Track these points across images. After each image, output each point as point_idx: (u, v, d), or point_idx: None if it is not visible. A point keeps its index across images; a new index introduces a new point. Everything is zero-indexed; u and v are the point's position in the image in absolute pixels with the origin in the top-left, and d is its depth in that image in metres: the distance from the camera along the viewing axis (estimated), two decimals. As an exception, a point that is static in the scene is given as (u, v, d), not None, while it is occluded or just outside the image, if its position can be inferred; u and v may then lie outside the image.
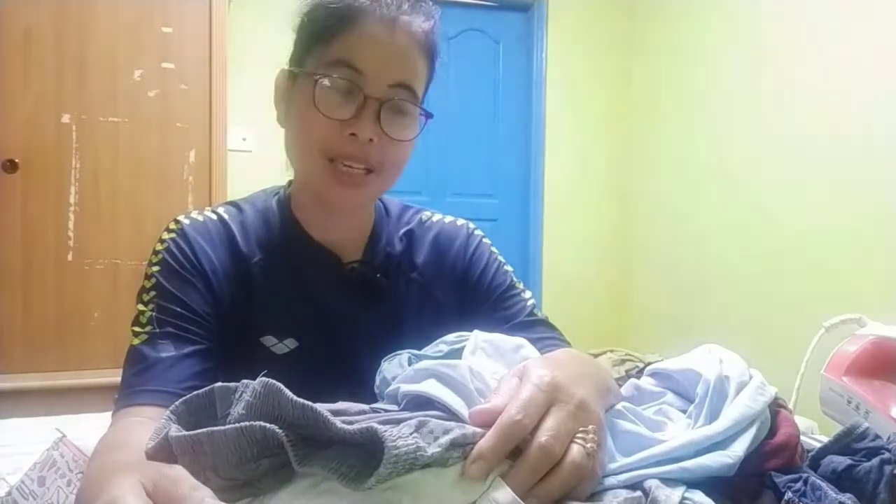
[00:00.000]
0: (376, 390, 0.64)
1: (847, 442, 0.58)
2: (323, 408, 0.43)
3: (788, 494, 0.51)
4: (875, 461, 0.54)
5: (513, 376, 0.53)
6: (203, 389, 0.47)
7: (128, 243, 2.39)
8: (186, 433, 0.42)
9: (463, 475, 0.45)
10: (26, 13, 2.29)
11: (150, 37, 2.42)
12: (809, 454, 0.59)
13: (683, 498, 0.48)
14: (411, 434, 0.43)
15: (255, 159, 2.90)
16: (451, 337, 0.65)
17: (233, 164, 2.55)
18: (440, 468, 0.45)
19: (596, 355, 3.27)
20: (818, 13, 2.47)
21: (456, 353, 0.63)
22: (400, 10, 0.75)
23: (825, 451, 0.58)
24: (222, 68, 2.44)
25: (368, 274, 0.84)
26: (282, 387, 0.43)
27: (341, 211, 0.82)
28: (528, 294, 0.89)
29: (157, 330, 0.72)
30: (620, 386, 0.64)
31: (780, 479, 0.53)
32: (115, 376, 0.72)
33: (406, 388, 0.52)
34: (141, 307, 0.74)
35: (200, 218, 0.81)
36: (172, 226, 0.80)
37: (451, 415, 0.49)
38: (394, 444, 0.41)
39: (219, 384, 0.46)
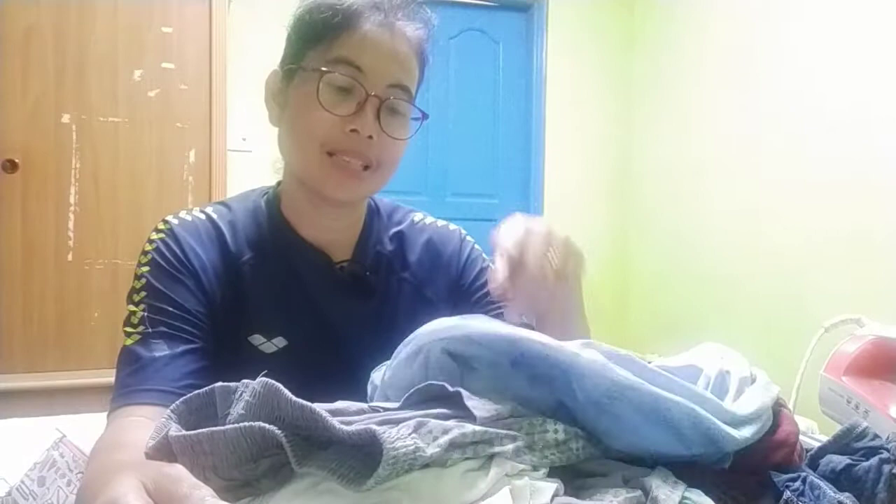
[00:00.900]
0: (369, 400, 0.64)
1: (846, 441, 0.58)
2: (322, 408, 0.43)
3: (787, 493, 0.51)
4: (874, 460, 0.54)
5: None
6: (204, 389, 0.47)
7: (128, 243, 2.40)
8: (186, 433, 0.42)
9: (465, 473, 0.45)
10: (26, 13, 2.29)
11: (150, 37, 2.43)
12: (808, 453, 0.59)
13: (683, 497, 0.48)
14: (410, 435, 0.43)
15: (254, 159, 2.90)
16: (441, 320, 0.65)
17: (233, 164, 2.55)
18: (439, 469, 0.45)
19: (596, 355, 3.27)
20: (819, 12, 2.47)
21: None
22: (397, 15, 0.78)
23: (824, 450, 0.58)
24: (222, 68, 2.45)
25: (359, 273, 0.85)
26: (281, 387, 0.43)
27: (337, 205, 0.82)
28: None
29: (150, 330, 0.72)
30: None
31: (779, 479, 0.53)
32: (114, 376, 0.73)
33: (409, 347, 0.53)
34: (132, 308, 0.74)
35: (189, 217, 0.81)
36: (161, 226, 0.80)
37: (451, 409, 0.50)
38: (392, 444, 0.41)
39: (219, 384, 0.46)
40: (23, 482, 0.69)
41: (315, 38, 0.77)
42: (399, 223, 0.93)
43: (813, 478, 0.53)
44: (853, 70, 2.32)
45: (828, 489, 0.51)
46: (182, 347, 0.72)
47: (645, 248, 3.55)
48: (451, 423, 0.47)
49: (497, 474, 0.47)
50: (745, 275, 2.80)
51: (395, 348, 0.78)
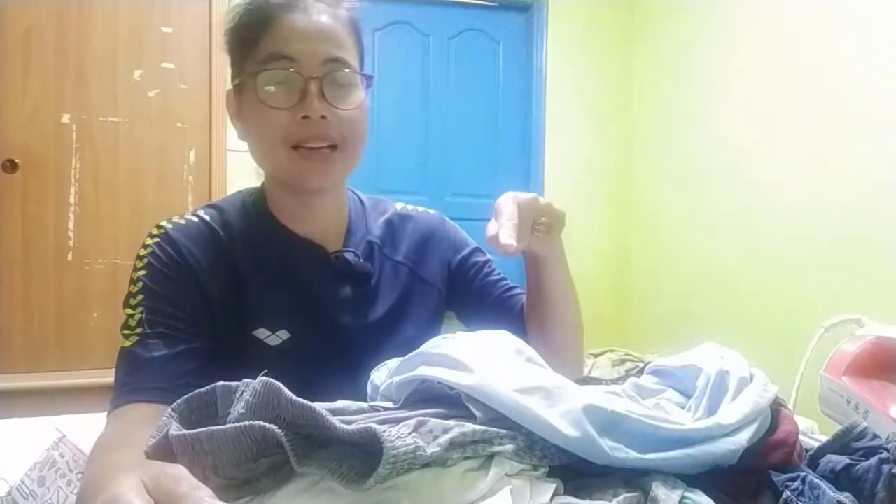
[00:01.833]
0: (369, 399, 0.64)
1: (846, 441, 0.58)
2: (322, 407, 0.43)
3: (787, 493, 0.51)
4: (873, 460, 0.54)
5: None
6: (205, 388, 0.47)
7: (128, 243, 2.40)
8: (186, 432, 0.42)
9: (465, 474, 0.45)
10: (26, 13, 2.29)
11: (150, 37, 2.43)
12: (808, 453, 0.59)
13: (683, 497, 0.48)
14: (410, 434, 0.44)
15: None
16: (435, 340, 0.65)
17: (232, 164, 2.55)
18: (440, 468, 0.45)
19: (596, 355, 3.28)
20: (820, 12, 2.47)
21: None
22: (311, 2, 0.80)
23: (824, 450, 0.58)
24: (222, 68, 2.45)
25: (354, 260, 0.87)
26: (281, 386, 0.43)
27: (318, 193, 0.84)
28: (491, 259, 1.00)
29: (148, 331, 0.72)
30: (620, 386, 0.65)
31: (779, 478, 0.53)
32: (113, 377, 0.73)
33: (399, 378, 0.53)
34: (129, 311, 0.75)
35: (183, 221, 0.82)
36: (155, 231, 0.81)
37: (451, 409, 0.50)
38: (392, 444, 0.41)
39: (221, 383, 0.47)
40: (23, 482, 0.69)
41: (245, 46, 0.79)
42: (384, 212, 0.96)
43: (812, 478, 0.53)
44: (853, 70, 2.32)
45: (827, 489, 0.51)
46: (181, 347, 0.72)
47: (645, 248, 3.55)
48: (451, 422, 0.47)
49: (497, 474, 0.47)
50: (745, 275, 2.80)
51: (395, 332, 0.81)
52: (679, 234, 3.25)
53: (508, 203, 0.74)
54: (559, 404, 0.50)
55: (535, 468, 0.49)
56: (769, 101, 2.69)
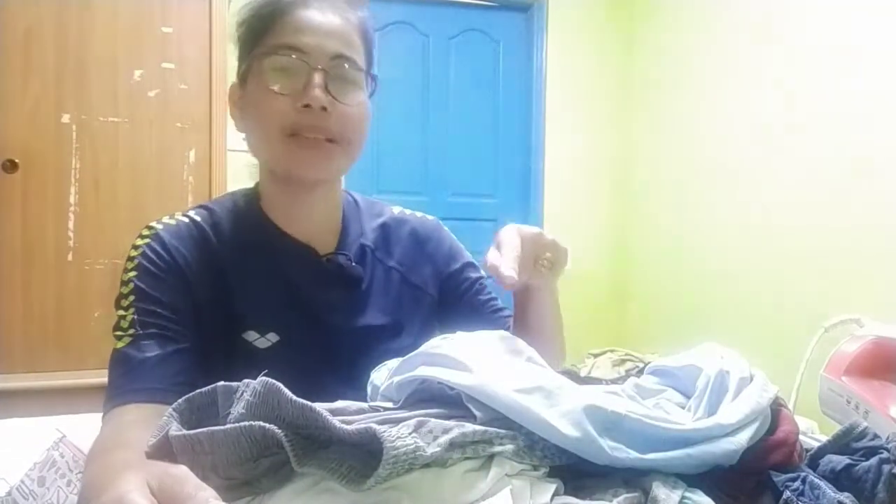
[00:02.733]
0: (369, 400, 0.64)
1: (846, 441, 0.58)
2: (322, 407, 0.43)
3: (787, 493, 0.51)
4: (874, 460, 0.54)
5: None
6: (206, 388, 0.47)
7: (128, 243, 2.38)
8: (186, 432, 0.42)
9: (464, 475, 0.45)
10: (26, 13, 2.29)
11: (150, 37, 2.42)
12: (808, 453, 0.59)
13: (683, 497, 0.48)
14: (410, 434, 0.44)
15: (254, 159, 2.89)
16: (435, 340, 0.65)
17: (233, 164, 2.55)
18: (440, 468, 0.45)
19: (596, 355, 3.28)
20: (819, 12, 2.47)
21: None
22: (325, 2, 0.81)
23: (824, 450, 0.58)
24: (222, 68, 2.45)
25: (345, 263, 0.86)
26: (282, 387, 0.43)
27: (312, 186, 0.83)
28: (485, 276, 0.97)
29: (140, 332, 0.73)
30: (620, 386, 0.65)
31: (779, 478, 0.53)
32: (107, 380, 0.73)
33: (399, 378, 0.53)
34: (121, 312, 0.75)
35: (173, 222, 0.82)
36: (145, 231, 0.81)
37: (451, 409, 0.50)
38: (392, 444, 0.41)
39: (221, 383, 0.47)
40: (23, 482, 0.69)
41: (254, 38, 0.80)
42: (380, 215, 0.95)
43: (813, 478, 0.53)
44: (853, 71, 2.32)
45: (828, 489, 0.51)
46: (173, 347, 0.72)
47: (645, 248, 3.55)
48: (451, 422, 0.47)
49: (497, 474, 0.47)
50: (745, 275, 2.80)
51: (386, 337, 0.80)
52: (679, 234, 3.25)
53: (512, 234, 0.72)
54: (559, 404, 0.50)
55: (535, 468, 0.49)
56: (769, 101, 2.69)
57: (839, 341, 1.00)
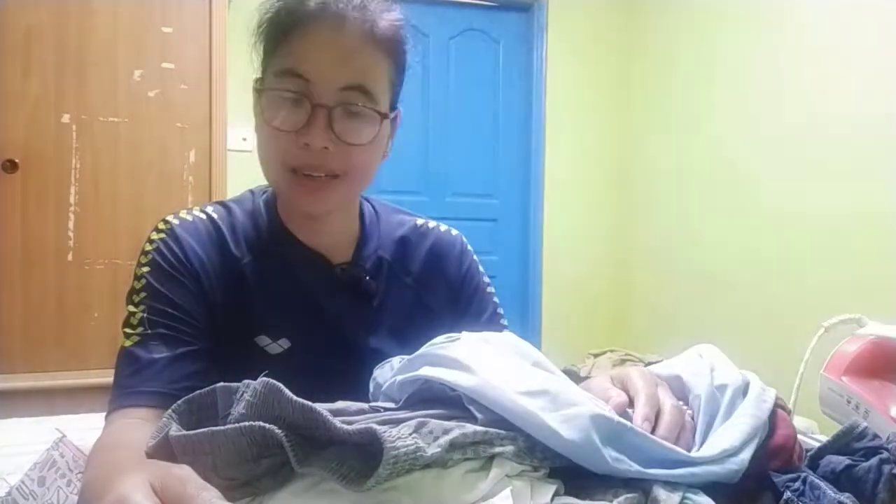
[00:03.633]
0: (371, 398, 0.64)
1: (846, 441, 0.58)
2: (323, 408, 0.43)
3: (787, 494, 0.51)
4: (874, 461, 0.54)
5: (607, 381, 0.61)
6: (206, 389, 0.47)
7: (128, 243, 2.39)
8: (186, 433, 0.42)
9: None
10: (26, 13, 2.29)
11: (150, 37, 2.42)
12: (808, 454, 0.59)
13: (684, 498, 0.48)
14: (411, 434, 0.43)
15: (254, 159, 2.87)
16: (440, 339, 0.65)
17: (233, 164, 2.55)
18: (440, 469, 0.45)
19: (596, 355, 3.28)
20: (819, 12, 2.47)
21: None
22: (349, 6, 0.74)
23: (824, 450, 0.58)
24: (222, 68, 2.44)
25: (358, 276, 0.84)
26: (282, 387, 0.43)
27: (312, 218, 0.82)
28: (503, 315, 0.93)
29: (149, 331, 0.71)
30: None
31: (779, 479, 0.53)
32: (112, 377, 0.72)
33: (402, 377, 0.52)
34: (132, 308, 0.74)
35: (189, 217, 0.80)
36: (161, 226, 0.79)
37: (452, 410, 0.50)
38: (393, 444, 0.41)
39: (221, 384, 0.46)
40: (23, 482, 0.69)
41: (269, 49, 0.77)
42: (401, 226, 0.91)
43: (813, 478, 0.53)
44: (852, 71, 2.31)
45: (828, 489, 0.51)
46: (181, 349, 0.71)
47: (645, 248, 3.55)
48: (451, 423, 0.47)
49: (497, 475, 0.46)
50: (744, 274, 2.80)
51: (396, 352, 0.78)
52: (679, 234, 3.25)
53: (651, 389, 0.58)
54: (564, 409, 0.50)
55: (535, 469, 0.49)
56: (769, 100, 2.69)
57: (839, 341, 0.99)
